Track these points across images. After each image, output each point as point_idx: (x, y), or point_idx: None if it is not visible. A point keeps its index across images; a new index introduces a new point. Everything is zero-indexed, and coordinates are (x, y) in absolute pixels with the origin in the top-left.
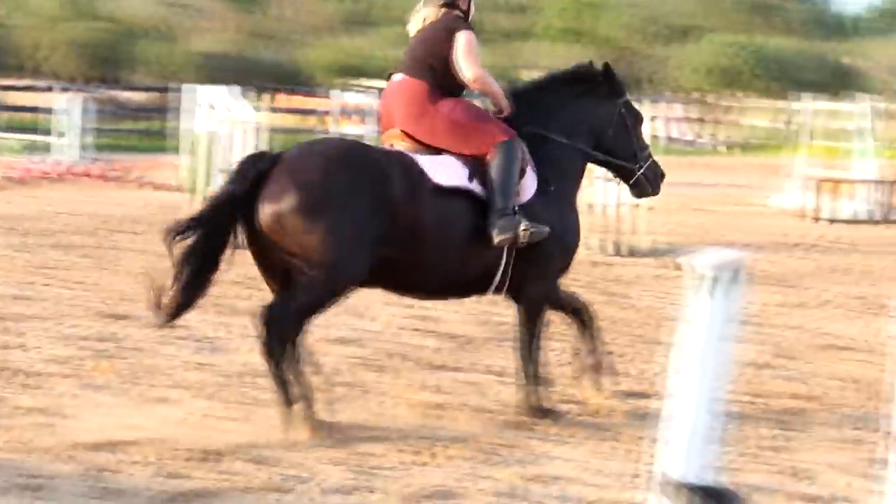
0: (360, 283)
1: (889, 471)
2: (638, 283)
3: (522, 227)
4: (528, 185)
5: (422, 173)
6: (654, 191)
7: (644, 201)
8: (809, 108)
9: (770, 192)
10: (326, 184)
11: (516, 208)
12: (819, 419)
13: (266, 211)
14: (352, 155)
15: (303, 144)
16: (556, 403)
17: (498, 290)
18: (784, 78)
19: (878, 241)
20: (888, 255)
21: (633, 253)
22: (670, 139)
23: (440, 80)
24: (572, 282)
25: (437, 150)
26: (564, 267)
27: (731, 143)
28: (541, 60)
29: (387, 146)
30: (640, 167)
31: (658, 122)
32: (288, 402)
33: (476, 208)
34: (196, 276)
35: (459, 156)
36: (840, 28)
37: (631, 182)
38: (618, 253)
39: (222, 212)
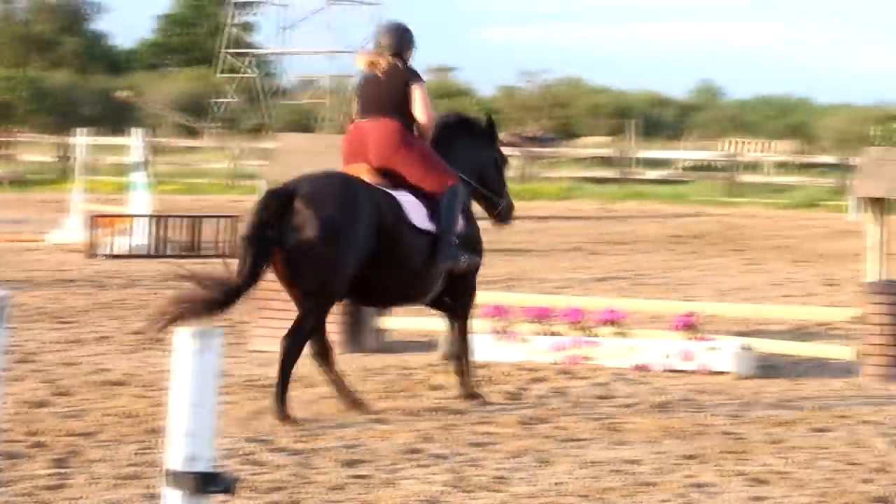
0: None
1: None
2: None
3: (462, 258)
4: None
5: (401, 210)
6: (510, 221)
7: None
8: (85, 142)
9: (48, 228)
10: (341, 217)
11: (457, 241)
12: (97, 456)
13: (292, 239)
14: (359, 191)
15: (313, 178)
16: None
17: (431, 300)
18: (61, 112)
19: (153, 275)
20: (161, 289)
21: None
22: None
23: (405, 119)
24: None
25: (397, 183)
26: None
27: (6, 178)
28: None
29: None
30: (505, 201)
31: None
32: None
33: (429, 241)
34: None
35: (418, 194)
36: (115, 62)
37: (497, 212)
38: None
39: (257, 236)
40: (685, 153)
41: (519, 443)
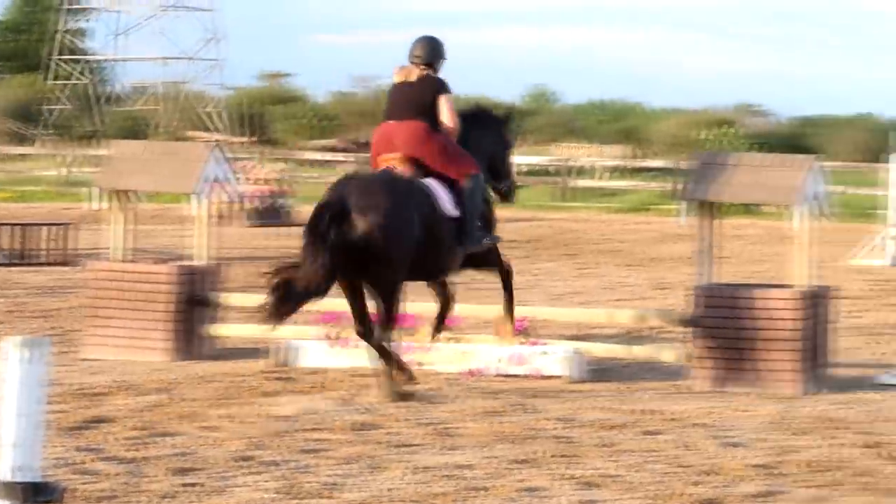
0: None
1: None
2: None
3: (485, 240)
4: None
5: (435, 201)
6: (513, 199)
7: None
8: None
9: None
10: (397, 221)
11: (479, 224)
12: None
13: (358, 225)
14: (404, 193)
15: (361, 188)
16: None
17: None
18: None
19: None
20: None
21: None
22: None
23: (431, 122)
24: None
25: (426, 172)
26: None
27: None
28: None
29: (391, 168)
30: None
31: None
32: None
33: (456, 225)
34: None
35: (444, 184)
36: None
37: (502, 191)
38: None
39: (323, 220)
40: (518, 158)
41: (351, 449)
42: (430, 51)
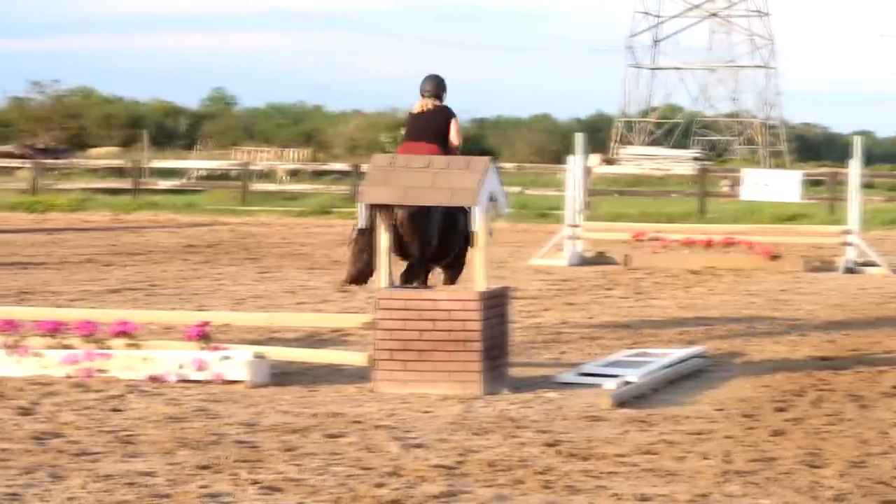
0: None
1: None
2: None
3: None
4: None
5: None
6: None
7: None
8: None
9: None
10: (428, 212)
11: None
12: None
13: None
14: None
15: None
16: None
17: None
18: None
19: None
20: None
21: None
22: None
23: (442, 144)
24: None
25: None
26: None
27: None
28: None
29: None
30: None
31: None
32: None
33: (460, 219)
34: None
35: None
36: None
37: None
38: None
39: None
40: (198, 163)
41: (31, 458)
42: (436, 86)
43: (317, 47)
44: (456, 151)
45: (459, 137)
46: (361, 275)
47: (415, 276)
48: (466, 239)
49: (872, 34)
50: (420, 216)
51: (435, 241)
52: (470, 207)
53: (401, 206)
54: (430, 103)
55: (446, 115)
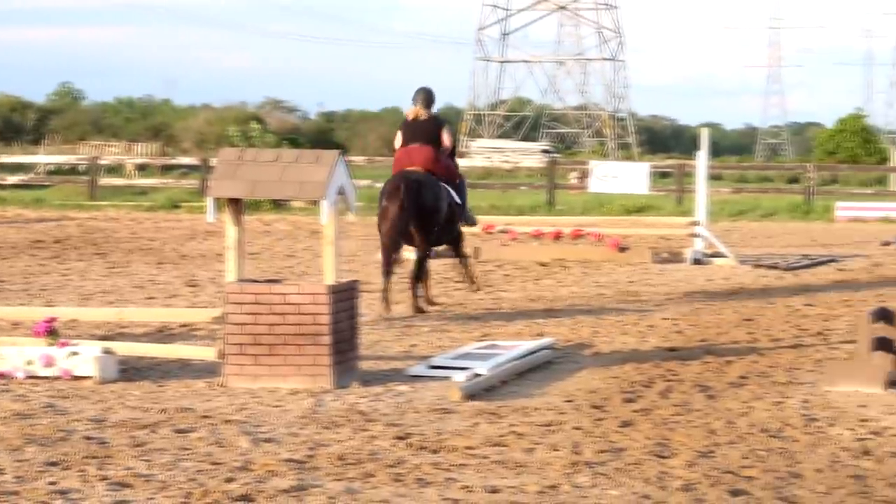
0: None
1: None
2: None
3: (472, 219)
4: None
5: (449, 193)
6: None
7: None
8: None
9: None
10: (430, 197)
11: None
12: None
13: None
14: (436, 182)
15: (412, 173)
16: None
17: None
18: None
19: None
20: None
21: None
22: None
23: (435, 145)
24: None
25: (437, 176)
26: None
27: None
28: None
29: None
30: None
31: None
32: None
33: (457, 208)
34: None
35: (448, 182)
36: None
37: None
38: None
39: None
40: (46, 157)
41: None
42: (427, 98)
43: (164, 41)
44: (448, 151)
45: (451, 140)
46: (395, 242)
47: (422, 269)
48: (453, 214)
49: (718, 27)
50: (421, 213)
51: (439, 228)
52: (462, 205)
53: (423, 192)
54: (422, 112)
55: (437, 122)
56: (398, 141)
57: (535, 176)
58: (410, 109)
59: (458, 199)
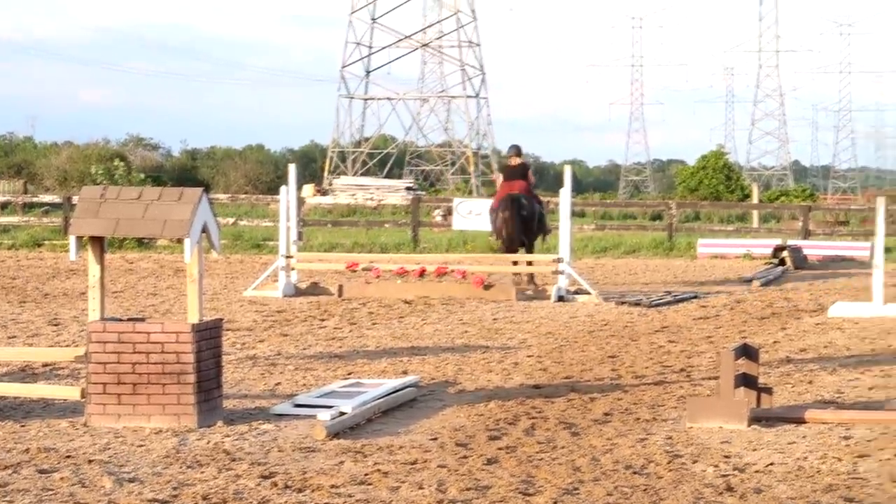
0: None
1: None
2: None
3: (549, 228)
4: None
5: (536, 206)
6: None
7: None
8: None
9: None
10: (528, 208)
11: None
12: None
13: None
14: (531, 199)
15: (515, 194)
16: None
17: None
18: None
19: None
20: None
21: None
22: None
23: (526, 181)
24: None
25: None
26: None
27: None
28: None
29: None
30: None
31: None
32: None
33: (541, 217)
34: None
35: (535, 203)
36: None
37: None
38: None
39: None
40: None
41: None
42: (518, 151)
43: (25, 77)
44: (532, 184)
45: (533, 179)
46: (512, 239)
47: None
48: (541, 221)
49: (582, 64)
50: (523, 220)
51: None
52: (538, 202)
53: (524, 207)
54: (516, 160)
55: (525, 166)
56: (499, 179)
57: (399, 213)
58: (510, 156)
59: (542, 212)
